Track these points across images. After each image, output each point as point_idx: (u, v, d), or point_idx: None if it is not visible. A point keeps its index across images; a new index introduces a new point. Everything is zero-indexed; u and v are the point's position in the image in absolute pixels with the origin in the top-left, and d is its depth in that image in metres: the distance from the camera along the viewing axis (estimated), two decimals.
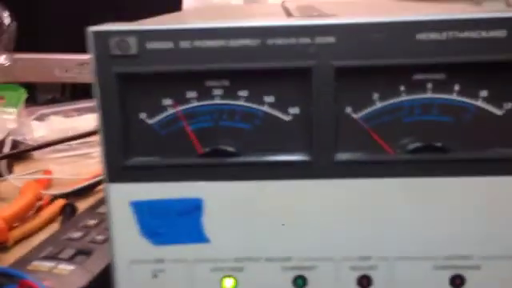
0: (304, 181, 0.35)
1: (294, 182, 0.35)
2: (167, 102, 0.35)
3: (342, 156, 0.35)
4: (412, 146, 0.35)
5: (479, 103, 0.34)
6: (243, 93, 0.34)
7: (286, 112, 0.35)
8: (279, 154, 0.35)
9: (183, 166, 0.35)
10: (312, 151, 0.34)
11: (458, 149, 0.35)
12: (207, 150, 0.35)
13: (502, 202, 0.35)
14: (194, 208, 0.36)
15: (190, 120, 0.35)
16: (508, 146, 0.35)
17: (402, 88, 0.34)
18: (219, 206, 0.36)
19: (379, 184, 0.35)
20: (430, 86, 0.34)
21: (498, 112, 0.34)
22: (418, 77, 0.34)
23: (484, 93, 0.34)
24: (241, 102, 0.35)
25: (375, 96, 0.34)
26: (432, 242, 0.36)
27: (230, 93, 0.34)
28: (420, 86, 0.34)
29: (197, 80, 0.34)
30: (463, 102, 0.34)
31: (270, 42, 0.32)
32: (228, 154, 0.35)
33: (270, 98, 0.35)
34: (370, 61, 0.33)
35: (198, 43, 0.33)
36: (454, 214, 0.35)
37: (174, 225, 0.36)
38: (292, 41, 0.32)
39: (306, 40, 0.32)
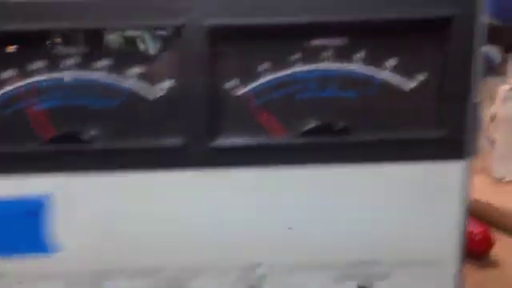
0: (175, 171, 0.28)
1: (163, 174, 0.28)
2: (5, 74, 0.28)
3: (221, 141, 0.28)
4: (307, 127, 0.29)
5: (386, 74, 0.28)
6: (103, 62, 0.28)
7: (154, 88, 0.28)
8: (145, 138, 0.28)
9: (23, 154, 0.28)
10: (184, 136, 0.28)
11: (363, 130, 0.29)
12: (56, 135, 0.28)
13: (416, 193, 0.29)
14: (36, 209, 0.28)
15: (34, 98, 0.28)
16: (425, 126, 0.29)
17: (295, 57, 0.28)
18: (70, 205, 0.28)
19: (267, 175, 0.28)
20: (327, 53, 0.28)
21: (410, 85, 0.28)
22: (314, 42, 0.28)
23: (391, 61, 0.28)
24: (100, 74, 0.28)
25: (261, 67, 0.28)
26: (332, 247, 0.29)
27: (86, 62, 0.28)
28: (316, 55, 0.28)
29: (41, 45, 0.27)
30: (367, 73, 0.28)
31: None
32: (82, 140, 0.28)
33: (135, 70, 0.28)
34: (254, 19, 0.26)
35: None
36: (357, 210, 0.29)
37: (10, 231, 0.28)
38: None
39: None
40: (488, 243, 0.45)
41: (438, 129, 0.28)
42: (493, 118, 0.61)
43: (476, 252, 0.44)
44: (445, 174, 0.29)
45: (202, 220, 0.29)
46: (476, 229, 0.45)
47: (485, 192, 0.55)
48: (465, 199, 0.29)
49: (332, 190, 0.29)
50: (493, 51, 0.65)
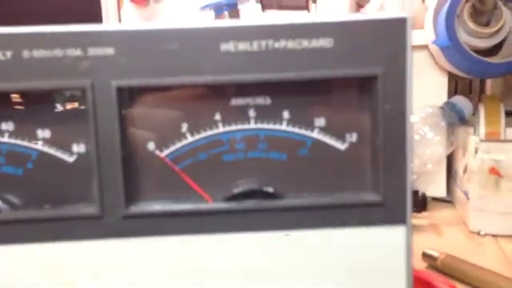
0: (92, 241, 0.26)
1: (82, 244, 0.26)
2: None
3: (140, 208, 0.26)
4: (235, 192, 0.27)
5: (315, 135, 0.27)
6: (7, 126, 0.26)
7: (68, 151, 0.26)
8: (61, 206, 0.26)
9: None
10: (100, 203, 0.26)
11: (294, 194, 0.27)
12: None
13: (352, 262, 0.27)
14: None
15: None
16: (358, 189, 0.27)
17: (218, 116, 0.26)
18: None
19: (191, 243, 0.26)
20: (252, 113, 0.26)
21: (340, 146, 0.27)
22: (237, 102, 0.26)
23: (320, 121, 0.27)
24: (5, 139, 0.26)
25: (184, 127, 0.26)
26: None
27: None
28: (241, 114, 0.26)
29: None
30: (296, 134, 0.27)
31: (26, 54, 0.24)
32: None
33: (44, 133, 0.26)
34: (164, 79, 0.25)
35: None
36: (291, 278, 0.27)
37: None
38: (57, 53, 0.25)
39: (75, 52, 0.25)
40: None
41: (373, 192, 0.26)
42: (465, 170, 0.59)
43: None
44: (384, 239, 0.27)
45: None
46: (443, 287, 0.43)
47: (460, 246, 0.53)
48: (408, 266, 0.27)
49: (263, 259, 0.26)
50: (464, 102, 0.63)
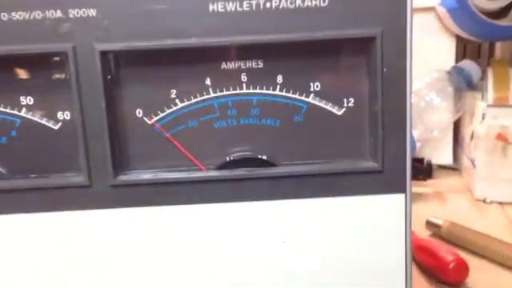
0: (79, 211, 0.25)
1: (69, 214, 0.25)
2: None
3: (127, 177, 0.25)
4: (227, 159, 0.26)
5: (311, 100, 0.25)
6: None
7: (53, 117, 0.25)
8: (47, 176, 0.26)
9: None
10: (88, 171, 0.25)
11: (289, 162, 0.26)
12: None
13: (353, 230, 0.26)
14: None
15: None
16: (356, 156, 0.26)
17: (208, 81, 0.25)
18: None
19: (183, 212, 0.25)
20: (244, 77, 0.25)
21: (337, 111, 0.25)
22: (228, 65, 0.25)
23: (316, 86, 0.25)
24: None
25: (174, 93, 0.25)
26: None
27: None
28: (232, 79, 0.25)
29: None
30: (291, 99, 0.25)
31: (4, 16, 0.23)
32: None
33: (28, 99, 0.25)
34: (151, 42, 0.24)
35: None
36: (288, 249, 0.26)
37: None
38: (37, 14, 0.23)
39: (55, 13, 0.23)
40: (463, 271, 0.42)
41: (372, 160, 0.25)
42: (472, 136, 0.57)
43: (451, 281, 0.40)
44: (383, 208, 0.26)
45: (111, 264, 0.26)
46: (449, 257, 0.42)
47: (465, 214, 0.52)
48: (407, 235, 0.26)
49: (255, 226, 0.26)
50: (472, 67, 0.61)
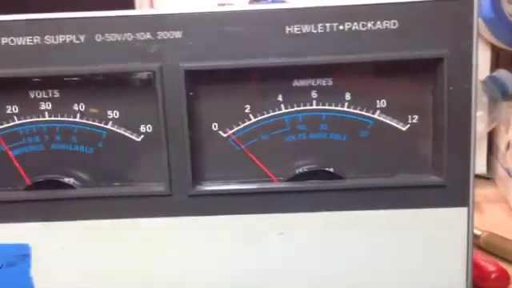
0: (159, 219, 0.27)
1: (149, 221, 0.27)
2: None
3: (205, 187, 0.27)
4: (297, 172, 0.27)
5: (377, 116, 0.27)
6: (78, 106, 0.27)
7: (136, 130, 0.27)
8: (128, 184, 0.27)
9: (4, 202, 0.27)
10: (169, 181, 0.27)
11: (354, 175, 0.27)
12: (36, 180, 0.27)
13: (416, 242, 0.27)
14: (19, 258, 0.28)
15: (12, 143, 0.27)
16: (419, 171, 0.27)
17: (281, 97, 0.27)
18: (54, 254, 0.27)
19: (256, 222, 0.27)
20: (314, 94, 0.27)
21: (402, 127, 0.27)
22: (299, 83, 0.27)
23: (382, 103, 0.27)
24: (77, 119, 0.27)
25: (248, 108, 0.27)
26: None
27: (61, 106, 0.27)
28: (303, 96, 0.27)
29: (17, 90, 0.27)
30: (358, 115, 0.27)
31: (99, 38, 0.25)
32: (64, 186, 0.27)
33: (114, 113, 0.27)
34: (230, 61, 0.25)
35: (6, 40, 0.25)
36: (354, 259, 0.27)
37: None
38: (128, 36, 0.25)
39: (145, 35, 0.25)
40: (505, 281, 0.43)
41: (435, 174, 0.27)
42: (508, 146, 0.58)
43: None
44: (445, 221, 0.27)
45: (189, 270, 0.27)
46: (491, 267, 0.43)
47: (502, 224, 0.52)
48: (469, 248, 0.27)
49: (321, 236, 0.27)
50: (507, 76, 0.62)
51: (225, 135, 0.27)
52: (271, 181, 0.27)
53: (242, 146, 0.27)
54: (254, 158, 0.27)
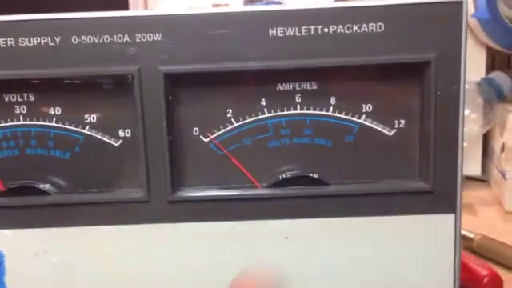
0: (137, 225, 0.26)
1: (127, 228, 0.26)
2: None
3: (184, 193, 0.26)
4: (280, 178, 0.26)
5: (362, 121, 0.26)
6: (54, 110, 0.26)
7: (114, 135, 0.26)
8: (107, 190, 0.27)
9: None
10: (148, 187, 0.26)
11: (340, 181, 0.26)
12: (11, 186, 0.26)
13: (403, 249, 0.26)
14: None
15: None
16: (406, 176, 0.26)
17: (264, 102, 0.26)
18: (29, 262, 0.27)
19: (237, 229, 0.26)
20: (298, 98, 0.26)
21: (388, 132, 0.26)
22: (283, 87, 0.26)
23: (368, 107, 0.26)
24: (53, 123, 0.26)
25: (230, 112, 0.26)
26: None
27: (36, 110, 0.26)
28: (286, 100, 0.26)
29: None
30: (343, 119, 0.26)
31: (75, 40, 0.24)
32: (39, 192, 0.26)
33: (91, 117, 0.26)
34: (211, 65, 0.25)
35: None
36: (341, 266, 0.26)
37: None
38: (105, 38, 0.24)
39: (123, 37, 0.24)
40: (497, 285, 0.42)
41: (422, 180, 0.26)
42: (503, 148, 0.58)
43: None
44: (432, 228, 0.26)
45: (167, 278, 0.27)
46: (483, 271, 0.42)
47: (495, 227, 0.52)
48: (457, 254, 0.27)
49: (309, 246, 0.26)
50: (503, 78, 0.61)
51: (206, 140, 0.26)
52: (254, 187, 0.27)
53: (225, 151, 0.26)
54: (237, 163, 0.26)
